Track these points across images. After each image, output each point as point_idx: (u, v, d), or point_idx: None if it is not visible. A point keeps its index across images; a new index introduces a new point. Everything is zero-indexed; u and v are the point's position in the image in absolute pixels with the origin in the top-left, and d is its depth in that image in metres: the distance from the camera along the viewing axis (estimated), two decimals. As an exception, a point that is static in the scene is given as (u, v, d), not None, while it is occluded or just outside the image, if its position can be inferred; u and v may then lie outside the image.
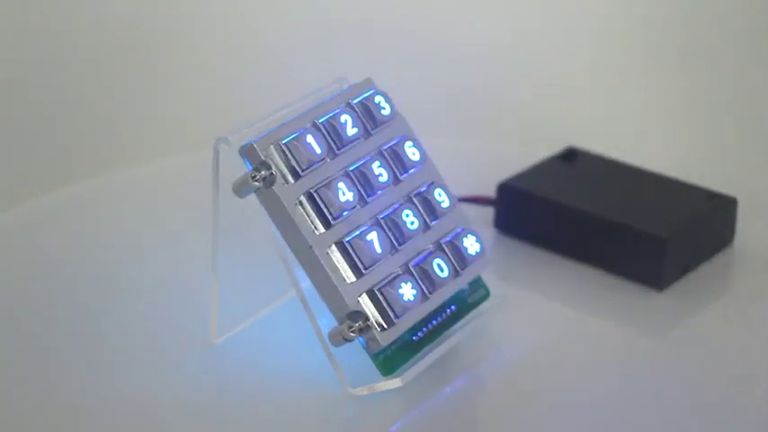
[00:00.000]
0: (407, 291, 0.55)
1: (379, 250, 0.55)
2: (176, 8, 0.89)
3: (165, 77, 0.88)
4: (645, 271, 0.64)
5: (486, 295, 0.60)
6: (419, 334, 0.57)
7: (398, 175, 0.58)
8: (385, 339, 0.55)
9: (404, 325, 0.56)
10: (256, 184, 0.54)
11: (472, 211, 0.70)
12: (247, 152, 0.55)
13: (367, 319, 0.55)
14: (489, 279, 0.62)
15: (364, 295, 0.55)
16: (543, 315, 0.64)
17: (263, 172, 0.54)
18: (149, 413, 0.57)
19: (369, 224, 0.56)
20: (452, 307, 0.59)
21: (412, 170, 0.59)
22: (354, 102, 0.58)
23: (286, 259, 0.56)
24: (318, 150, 0.55)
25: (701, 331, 0.63)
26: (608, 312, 0.64)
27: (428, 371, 0.58)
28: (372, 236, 0.55)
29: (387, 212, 0.57)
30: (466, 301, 0.60)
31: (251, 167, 0.55)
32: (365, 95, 0.58)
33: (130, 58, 0.88)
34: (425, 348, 0.58)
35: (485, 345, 0.61)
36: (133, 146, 0.83)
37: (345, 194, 0.55)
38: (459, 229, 0.59)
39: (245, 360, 0.60)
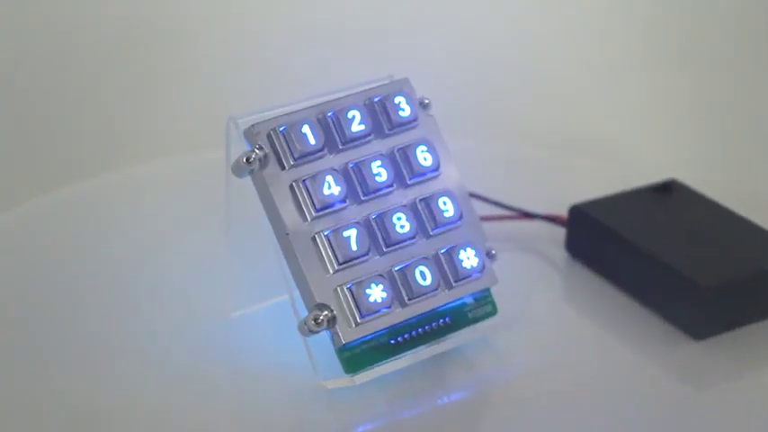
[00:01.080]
0: (376, 292, 0.55)
1: (354, 248, 0.55)
2: (176, 8, 0.89)
3: (166, 77, 0.88)
4: (684, 318, 0.62)
5: (492, 313, 0.59)
6: (399, 339, 0.57)
7: (407, 178, 0.57)
8: (347, 337, 0.55)
9: (370, 326, 0.55)
10: (249, 165, 0.55)
11: (547, 229, 0.70)
12: (248, 133, 0.55)
13: (332, 312, 0.55)
14: (545, 299, 0.63)
15: (339, 289, 0.55)
16: (567, 338, 0.63)
17: (256, 154, 0.55)
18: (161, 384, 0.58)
19: (353, 221, 0.56)
20: (447, 318, 0.58)
21: (427, 175, 0.58)
22: (376, 100, 0.58)
23: (277, 248, 0.56)
24: (313, 141, 0.55)
25: (727, 389, 0.60)
26: (636, 351, 0.62)
27: (425, 377, 0.58)
28: (351, 233, 0.55)
29: (378, 213, 0.56)
30: (465, 315, 0.59)
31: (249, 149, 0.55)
32: (386, 94, 0.58)
33: (130, 57, 0.88)
34: (402, 354, 0.57)
35: (496, 358, 0.60)
36: (133, 146, 0.83)
37: (332, 188, 0.55)
38: (461, 241, 0.58)
39: (252, 336, 0.61)
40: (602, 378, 0.60)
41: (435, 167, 0.58)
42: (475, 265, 0.57)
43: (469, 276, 0.57)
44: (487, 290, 0.59)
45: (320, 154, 0.56)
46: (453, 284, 0.57)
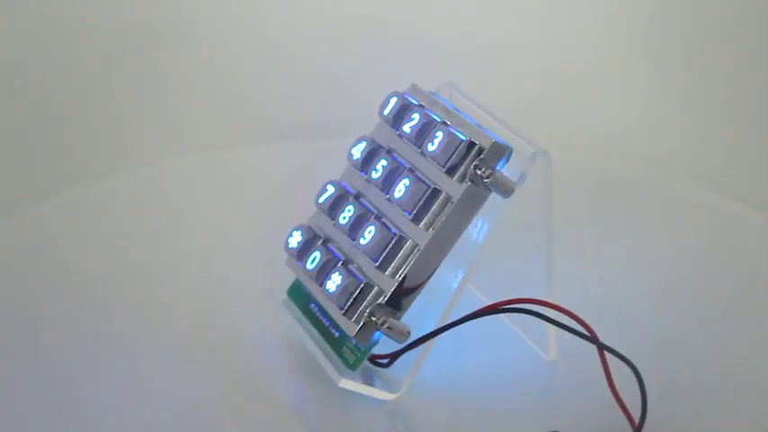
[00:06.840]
0: (295, 237, 0.61)
1: (320, 201, 0.61)
2: (179, 9, 0.90)
3: (168, 79, 0.88)
4: None
5: (350, 365, 0.58)
6: (313, 306, 0.61)
7: (392, 193, 0.58)
8: (288, 262, 0.62)
9: (291, 263, 0.61)
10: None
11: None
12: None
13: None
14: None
15: None
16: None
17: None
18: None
19: (344, 184, 0.62)
20: (336, 332, 0.59)
21: (396, 204, 0.58)
22: (454, 133, 0.58)
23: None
24: (386, 112, 0.61)
25: None
26: None
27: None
28: (329, 188, 0.62)
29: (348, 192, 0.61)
30: (341, 346, 0.58)
31: None
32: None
33: (133, 60, 0.88)
34: (308, 322, 0.61)
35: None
36: (135, 147, 0.84)
37: (355, 151, 0.62)
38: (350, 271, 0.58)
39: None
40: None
41: (403, 206, 0.57)
42: (332, 290, 0.57)
43: (328, 297, 0.58)
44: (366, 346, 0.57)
45: (390, 127, 0.61)
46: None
